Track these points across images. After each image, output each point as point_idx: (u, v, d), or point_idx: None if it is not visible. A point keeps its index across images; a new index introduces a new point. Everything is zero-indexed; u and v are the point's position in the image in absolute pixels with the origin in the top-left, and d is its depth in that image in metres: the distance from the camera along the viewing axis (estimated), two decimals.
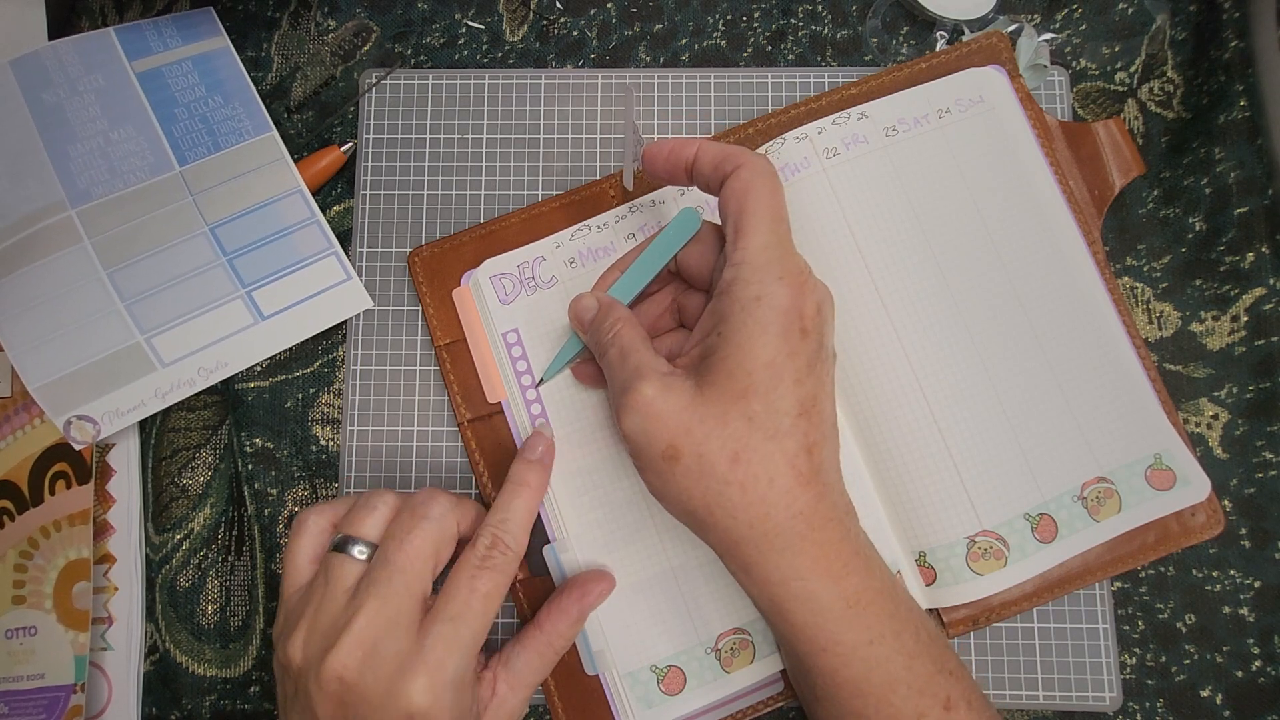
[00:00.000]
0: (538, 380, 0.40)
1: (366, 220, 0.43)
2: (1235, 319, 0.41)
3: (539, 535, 0.39)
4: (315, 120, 0.44)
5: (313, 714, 0.31)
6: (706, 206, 0.41)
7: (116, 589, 0.41)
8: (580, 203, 0.41)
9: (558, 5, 0.45)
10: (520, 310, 0.40)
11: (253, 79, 0.44)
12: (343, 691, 0.30)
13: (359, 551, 0.33)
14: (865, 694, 0.31)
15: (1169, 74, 0.43)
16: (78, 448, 0.40)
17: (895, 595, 0.33)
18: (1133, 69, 0.43)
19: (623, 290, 0.36)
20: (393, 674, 0.30)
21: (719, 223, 0.35)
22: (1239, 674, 0.39)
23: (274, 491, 0.42)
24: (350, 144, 0.43)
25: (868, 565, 0.32)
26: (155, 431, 0.42)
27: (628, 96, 0.35)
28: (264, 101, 0.44)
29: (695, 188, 0.36)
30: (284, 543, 0.41)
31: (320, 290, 0.42)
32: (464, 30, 0.45)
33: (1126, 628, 0.40)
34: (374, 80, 0.44)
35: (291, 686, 0.32)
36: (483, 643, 0.32)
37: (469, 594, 0.32)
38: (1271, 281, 0.40)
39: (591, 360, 0.38)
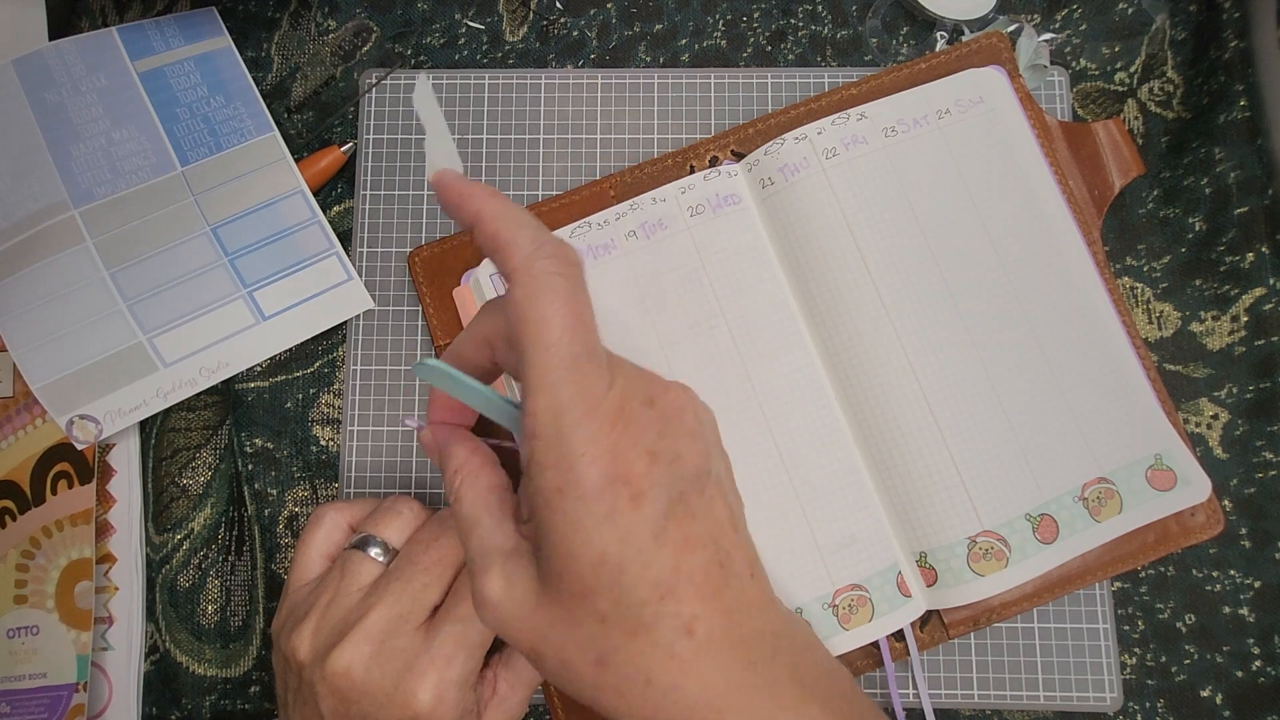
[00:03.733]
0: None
1: (366, 220, 0.43)
2: (1235, 319, 0.41)
3: None
4: (315, 120, 0.44)
5: (316, 709, 0.31)
6: None
7: (117, 589, 0.41)
8: (580, 203, 0.41)
9: (558, 5, 0.45)
10: None
11: (253, 79, 0.44)
12: (348, 687, 0.30)
13: (377, 553, 0.33)
14: None
15: (1169, 74, 0.43)
16: (80, 447, 0.40)
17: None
18: (1133, 69, 0.43)
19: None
20: (400, 671, 0.30)
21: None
22: (1239, 674, 0.39)
23: (274, 491, 0.42)
24: (350, 144, 0.43)
25: (800, 697, 0.27)
26: (155, 431, 0.42)
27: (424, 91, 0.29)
28: (264, 101, 0.44)
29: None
30: (284, 543, 0.42)
31: (321, 290, 0.42)
32: (464, 30, 0.45)
33: (1126, 628, 0.40)
34: (374, 80, 0.44)
35: (295, 680, 0.32)
36: (489, 645, 0.33)
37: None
38: (1271, 281, 0.40)
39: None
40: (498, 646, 0.36)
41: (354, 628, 0.31)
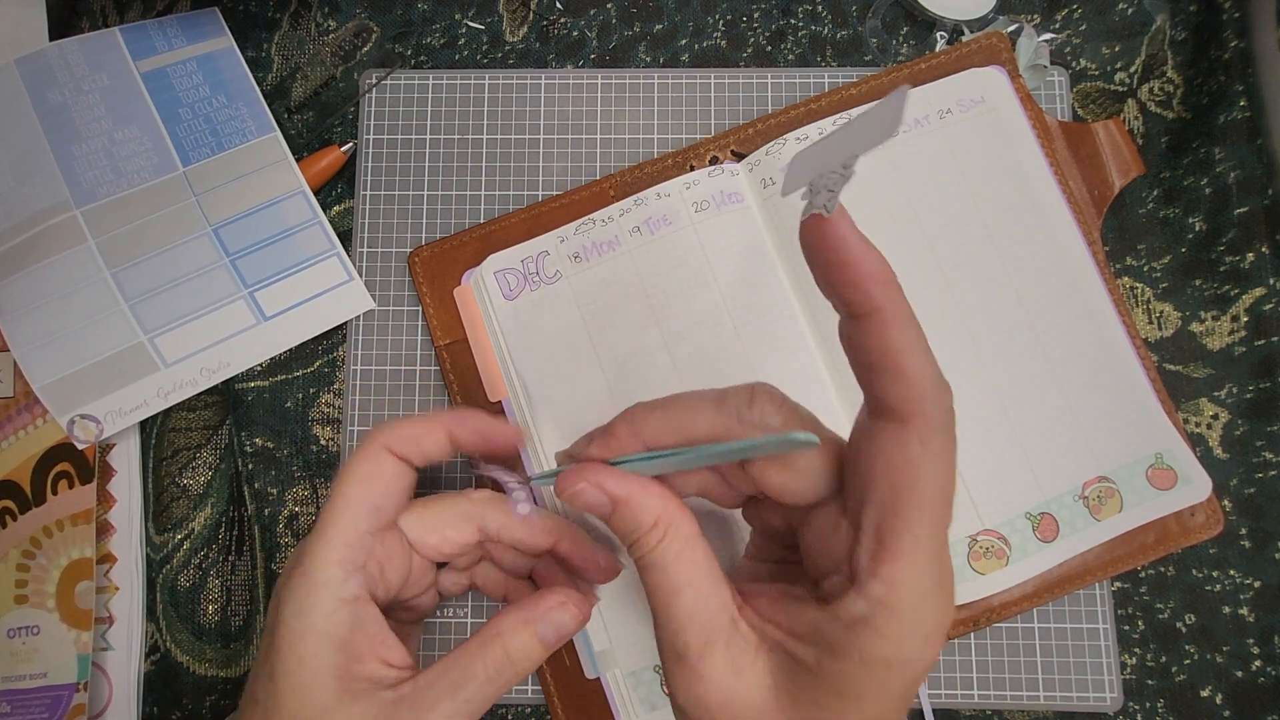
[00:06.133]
0: (527, 477, 0.36)
1: (366, 220, 0.43)
2: (1235, 319, 0.41)
3: None
4: (315, 120, 0.44)
5: None
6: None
7: (117, 589, 0.41)
8: (580, 203, 0.42)
9: (558, 5, 0.45)
10: (524, 306, 0.40)
11: (254, 79, 0.44)
12: None
13: None
14: None
15: (1169, 74, 0.43)
16: (81, 447, 0.40)
17: None
18: (1133, 69, 0.43)
19: (661, 464, 0.28)
20: None
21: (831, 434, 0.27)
22: (1239, 674, 0.39)
23: (274, 491, 0.42)
24: (350, 144, 0.43)
25: None
26: (156, 431, 0.42)
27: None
28: (265, 102, 0.44)
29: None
30: (284, 543, 0.42)
31: (322, 291, 0.42)
32: (464, 31, 0.45)
33: (1126, 628, 0.40)
34: (374, 80, 0.44)
35: None
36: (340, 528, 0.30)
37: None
38: (1271, 281, 0.40)
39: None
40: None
41: None
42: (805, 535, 0.27)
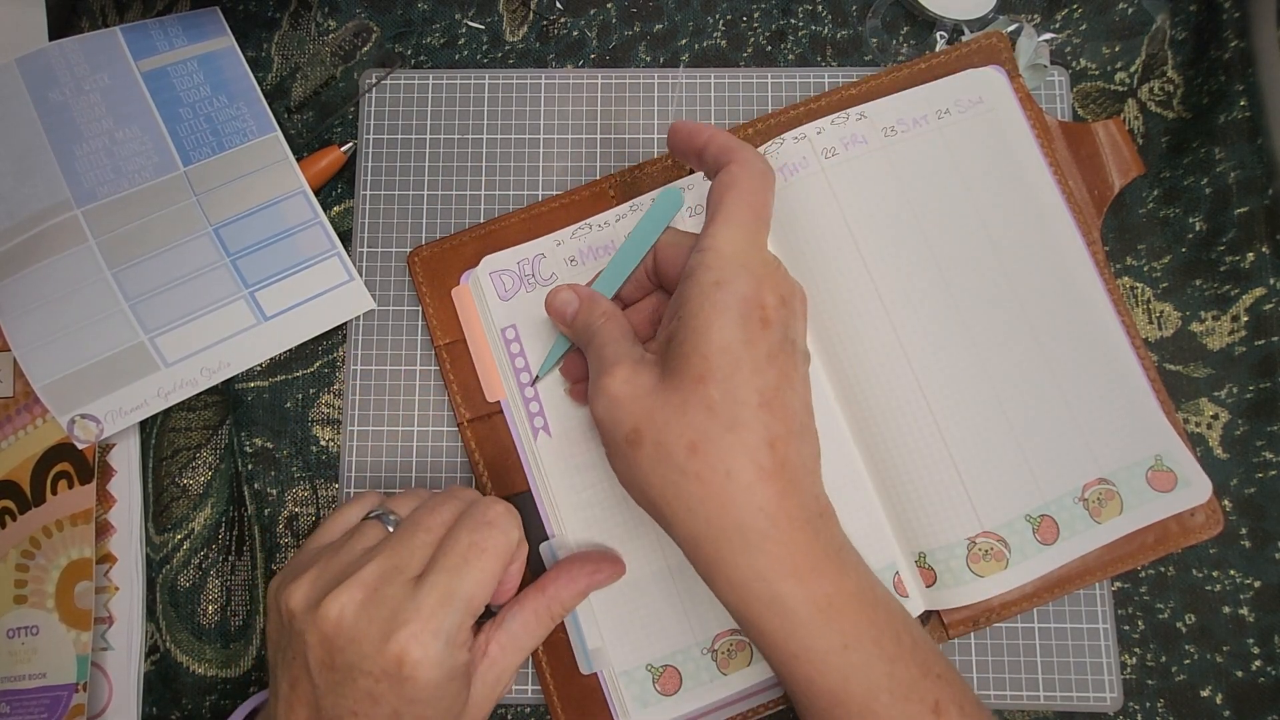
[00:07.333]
0: (534, 377, 0.40)
1: (366, 220, 0.43)
2: (1235, 319, 0.41)
3: (536, 532, 0.39)
4: (315, 120, 0.44)
5: (304, 662, 0.31)
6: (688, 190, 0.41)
7: (117, 589, 0.41)
8: (580, 202, 0.42)
9: (558, 5, 0.45)
10: (520, 307, 0.40)
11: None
12: (337, 634, 0.31)
13: (390, 521, 0.35)
14: (845, 703, 0.30)
15: (1169, 74, 0.43)
16: (81, 447, 0.40)
17: (874, 598, 0.31)
18: (1133, 69, 0.43)
19: (607, 281, 0.37)
20: (387, 619, 0.30)
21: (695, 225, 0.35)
22: (1239, 674, 0.39)
23: (274, 491, 0.42)
24: (350, 144, 0.43)
25: (841, 568, 0.30)
26: (156, 431, 0.42)
27: None
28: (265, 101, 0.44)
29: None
30: (284, 543, 0.42)
31: (322, 291, 0.42)
32: (464, 30, 0.45)
33: (1126, 628, 0.40)
34: (374, 80, 0.44)
35: (285, 636, 0.32)
36: (481, 601, 0.32)
37: (467, 547, 0.32)
38: (1271, 281, 0.40)
39: (581, 355, 0.38)
40: (490, 613, 0.36)
41: (349, 577, 0.31)
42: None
